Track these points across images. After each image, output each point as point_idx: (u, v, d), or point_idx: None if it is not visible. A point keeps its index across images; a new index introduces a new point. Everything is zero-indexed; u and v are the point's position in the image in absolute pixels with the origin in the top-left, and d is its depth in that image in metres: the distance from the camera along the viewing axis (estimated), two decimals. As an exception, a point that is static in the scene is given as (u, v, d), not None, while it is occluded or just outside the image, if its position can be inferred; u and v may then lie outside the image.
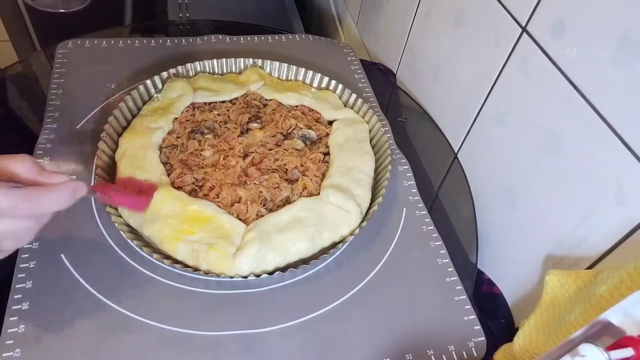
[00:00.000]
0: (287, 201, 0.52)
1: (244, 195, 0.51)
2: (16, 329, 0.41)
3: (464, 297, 0.49)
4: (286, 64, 0.67)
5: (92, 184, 0.52)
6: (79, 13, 1.08)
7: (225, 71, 0.67)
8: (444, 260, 0.52)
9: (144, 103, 0.60)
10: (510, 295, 0.55)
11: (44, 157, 0.55)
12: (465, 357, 0.45)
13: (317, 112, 0.63)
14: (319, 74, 0.66)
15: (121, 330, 0.43)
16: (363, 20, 0.95)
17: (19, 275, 0.45)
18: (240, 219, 0.49)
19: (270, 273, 0.46)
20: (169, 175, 0.52)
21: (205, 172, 0.52)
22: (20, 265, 0.45)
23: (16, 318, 0.42)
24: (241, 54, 0.69)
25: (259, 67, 0.67)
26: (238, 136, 0.57)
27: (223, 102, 0.62)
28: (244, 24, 0.86)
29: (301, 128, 0.59)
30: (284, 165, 0.55)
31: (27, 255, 0.46)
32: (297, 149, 0.57)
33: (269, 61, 0.67)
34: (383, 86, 0.77)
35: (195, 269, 0.46)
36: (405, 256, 0.52)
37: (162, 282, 0.46)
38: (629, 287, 0.35)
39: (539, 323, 0.43)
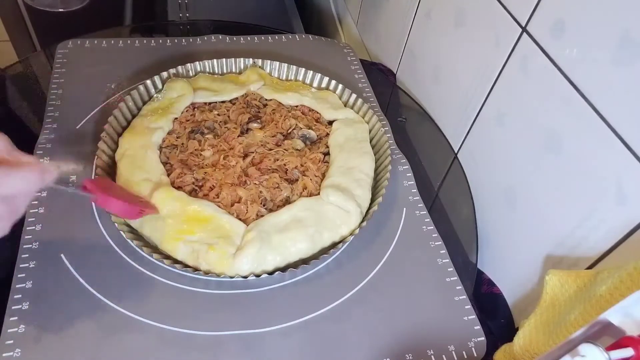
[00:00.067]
0: (287, 201, 0.52)
1: (244, 195, 0.51)
2: (16, 329, 0.41)
3: (464, 297, 0.49)
4: (286, 64, 0.67)
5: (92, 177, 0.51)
6: (79, 13, 1.08)
7: (225, 71, 0.67)
8: (444, 260, 0.52)
9: (144, 103, 0.60)
10: (510, 295, 0.55)
11: (44, 157, 0.55)
12: (465, 357, 0.45)
13: (317, 112, 0.63)
14: (319, 74, 0.66)
15: (121, 330, 0.43)
16: (363, 20, 0.95)
17: (19, 275, 0.45)
18: (240, 219, 0.49)
19: (270, 273, 0.46)
20: (169, 175, 0.52)
21: (205, 172, 0.52)
22: (20, 265, 0.45)
23: (16, 318, 0.42)
24: (241, 54, 0.69)
25: (259, 67, 0.67)
26: (238, 136, 0.57)
27: (223, 102, 0.62)
28: (244, 24, 0.86)
29: (301, 128, 0.59)
30: (284, 165, 0.55)
31: (27, 255, 0.46)
32: (297, 149, 0.57)
33: (269, 61, 0.67)
34: (383, 86, 0.77)
35: (195, 269, 0.46)
36: (405, 256, 0.52)
37: (162, 282, 0.46)
38: (629, 287, 0.35)
39: (539, 323, 0.43)
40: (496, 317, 0.54)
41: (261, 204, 0.51)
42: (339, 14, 1.11)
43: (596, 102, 0.42)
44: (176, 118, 0.58)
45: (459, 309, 0.48)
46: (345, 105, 0.65)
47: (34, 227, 0.48)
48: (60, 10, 1.07)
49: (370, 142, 0.60)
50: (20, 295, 0.43)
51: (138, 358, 0.41)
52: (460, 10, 0.62)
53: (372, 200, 0.54)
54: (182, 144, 0.56)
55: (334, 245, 0.50)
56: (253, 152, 0.55)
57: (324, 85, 0.66)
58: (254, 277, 0.46)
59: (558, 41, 0.46)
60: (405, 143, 0.67)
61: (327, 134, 0.60)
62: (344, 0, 1.06)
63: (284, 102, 0.63)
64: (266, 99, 0.63)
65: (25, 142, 0.47)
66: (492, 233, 0.58)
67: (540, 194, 0.50)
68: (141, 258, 0.48)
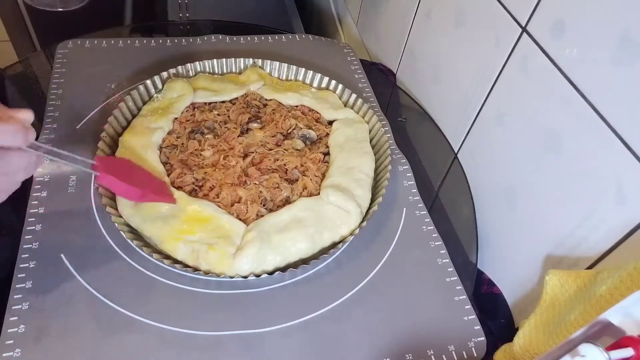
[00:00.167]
0: (287, 201, 0.52)
1: (244, 195, 0.51)
2: (16, 329, 0.41)
3: (464, 297, 0.49)
4: (286, 64, 0.67)
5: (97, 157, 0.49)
6: (79, 12, 1.08)
7: (225, 71, 0.67)
8: (444, 260, 0.52)
9: (144, 103, 0.60)
10: (510, 295, 0.55)
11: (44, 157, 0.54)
12: (465, 357, 0.45)
13: (317, 112, 0.63)
14: (319, 74, 0.66)
15: (121, 330, 0.43)
16: (363, 20, 0.95)
17: (19, 275, 0.45)
18: (240, 219, 0.49)
19: (270, 273, 0.46)
20: (169, 175, 0.52)
21: (205, 172, 0.52)
22: (20, 265, 0.45)
23: (16, 318, 0.42)
24: (241, 54, 0.69)
25: (259, 67, 0.67)
26: (238, 136, 0.57)
27: (223, 102, 0.62)
28: (244, 24, 0.86)
29: (301, 128, 0.59)
30: (284, 165, 0.55)
31: (27, 255, 0.46)
32: (297, 149, 0.57)
33: (269, 61, 0.67)
34: (383, 86, 0.77)
35: (195, 269, 0.46)
36: (405, 256, 0.52)
37: (162, 282, 0.46)
38: (629, 287, 0.35)
39: (539, 323, 0.43)
40: (496, 317, 0.54)
41: (261, 204, 0.51)
42: (339, 14, 1.11)
43: (596, 102, 0.42)
44: (176, 118, 0.58)
45: (459, 309, 0.48)
46: (345, 105, 0.65)
47: (34, 227, 0.48)
48: (59, 9, 1.07)
49: (370, 142, 0.60)
50: (20, 295, 0.43)
51: (138, 358, 0.41)
52: (460, 10, 0.62)
53: (372, 200, 0.54)
54: (182, 144, 0.56)
55: (334, 245, 0.50)
56: (253, 152, 0.55)
57: (324, 85, 0.66)
58: (254, 277, 0.46)
59: (558, 41, 0.46)
60: (405, 143, 0.67)
61: (327, 134, 0.60)
62: (344, 0, 1.06)
63: (284, 102, 0.63)
64: (266, 99, 0.63)
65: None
66: (492, 233, 0.58)
67: (540, 194, 0.50)
68: (141, 258, 0.48)
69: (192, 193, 0.51)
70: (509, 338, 0.45)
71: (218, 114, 0.59)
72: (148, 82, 0.61)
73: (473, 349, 0.46)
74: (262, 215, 0.50)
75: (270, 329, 0.45)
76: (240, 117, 0.59)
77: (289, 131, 0.59)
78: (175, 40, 0.75)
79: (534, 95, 0.50)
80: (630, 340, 0.31)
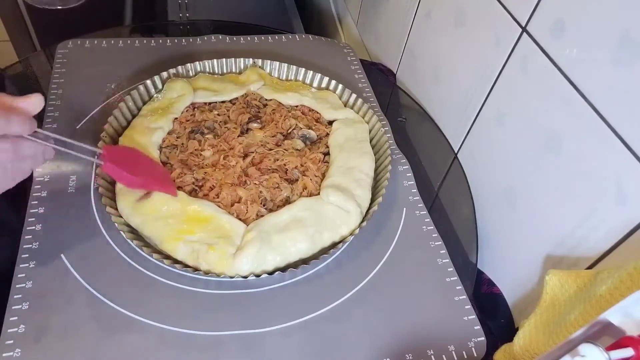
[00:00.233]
0: (287, 201, 0.52)
1: (244, 195, 0.51)
2: (16, 329, 0.41)
3: (464, 297, 0.49)
4: (286, 64, 0.67)
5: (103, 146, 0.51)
6: (79, 11, 1.08)
7: (225, 71, 0.67)
8: (444, 260, 0.52)
9: (144, 103, 0.60)
10: (510, 295, 0.55)
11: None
12: (465, 357, 0.45)
13: (317, 112, 0.63)
14: (319, 74, 0.66)
15: (121, 330, 0.43)
16: (363, 20, 0.95)
17: (19, 275, 0.45)
18: (240, 219, 0.49)
19: (270, 273, 0.46)
20: (169, 175, 0.52)
21: (205, 172, 0.52)
22: (20, 265, 0.45)
23: (16, 318, 0.42)
24: (241, 54, 0.69)
25: (259, 67, 0.67)
26: (238, 136, 0.57)
27: (223, 102, 0.62)
28: (244, 24, 0.86)
29: (301, 128, 0.59)
30: (284, 165, 0.55)
31: (27, 255, 0.46)
32: (297, 149, 0.57)
33: (269, 61, 0.67)
34: (383, 86, 0.77)
35: (195, 269, 0.46)
36: (405, 256, 0.52)
37: (162, 282, 0.46)
38: (629, 287, 0.35)
39: (539, 323, 0.43)
40: (496, 317, 0.54)
41: (261, 204, 0.51)
42: (339, 14, 1.11)
43: (596, 102, 0.42)
44: (176, 118, 0.58)
45: (459, 309, 0.48)
46: (345, 105, 0.65)
47: (34, 227, 0.48)
48: (58, 7, 1.07)
49: (370, 142, 0.60)
50: (20, 295, 0.43)
51: (138, 358, 0.41)
52: (460, 10, 0.62)
53: (372, 200, 0.54)
54: (182, 144, 0.56)
55: (334, 245, 0.50)
56: (253, 152, 0.55)
57: (324, 85, 0.66)
58: (254, 277, 0.46)
59: (558, 41, 0.46)
60: (405, 143, 0.67)
61: (327, 134, 0.60)
62: (344, 0, 1.06)
63: (284, 102, 0.63)
64: (266, 99, 0.63)
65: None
66: (492, 233, 0.58)
67: (540, 194, 0.50)
68: (141, 258, 0.48)
69: (192, 193, 0.51)
70: (509, 338, 0.45)
71: (218, 114, 0.59)
72: (148, 82, 0.61)
73: (473, 349, 0.46)
74: (262, 215, 0.50)
75: (270, 329, 0.45)
76: (240, 117, 0.59)
77: (289, 131, 0.59)
78: (175, 40, 0.75)
79: (534, 95, 0.50)
80: (630, 340, 0.31)
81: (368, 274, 0.50)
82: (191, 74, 0.65)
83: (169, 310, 0.45)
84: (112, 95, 0.64)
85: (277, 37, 0.79)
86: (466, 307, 0.49)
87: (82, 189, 0.53)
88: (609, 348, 0.30)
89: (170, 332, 0.43)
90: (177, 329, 0.43)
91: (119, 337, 0.42)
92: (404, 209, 0.57)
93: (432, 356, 0.45)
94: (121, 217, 0.49)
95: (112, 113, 0.56)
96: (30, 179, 0.52)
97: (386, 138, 0.59)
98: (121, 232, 0.47)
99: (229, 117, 0.60)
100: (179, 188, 0.51)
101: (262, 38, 0.79)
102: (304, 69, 0.67)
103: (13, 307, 0.43)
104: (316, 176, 0.54)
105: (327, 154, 0.58)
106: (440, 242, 0.54)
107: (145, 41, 0.74)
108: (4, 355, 0.40)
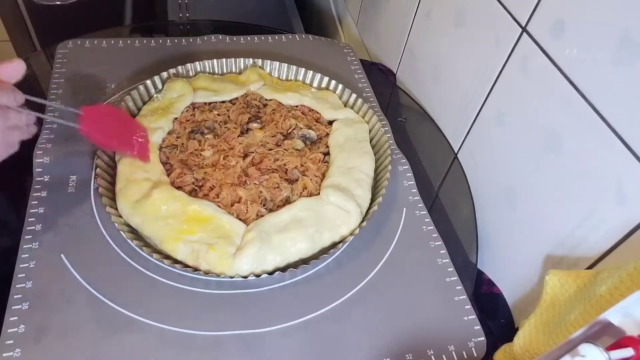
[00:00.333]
0: (287, 201, 0.52)
1: (244, 195, 0.51)
2: (16, 329, 0.41)
3: (464, 297, 0.49)
4: (286, 64, 0.67)
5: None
6: (79, 10, 1.08)
7: (225, 71, 0.67)
8: (444, 260, 0.52)
9: (144, 103, 0.60)
10: (510, 295, 0.55)
11: (44, 157, 0.54)
12: (465, 357, 0.45)
13: (317, 112, 0.63)
14: (319, 74, 0.66)
15: (121, 330, 0.43)
16: (363, 20, 0.95)
17: (19, 275, 0.45)
18: (240, 219, 0.49)
19: (270, 273, 0.46)
20: (169, 175, 0.52)
21: (205, 172, 0.52)
22: (20, 265, 0.45)
23: (16, 318, 0.42)
24: (241, 54, 0.69)
25: (259, 67, 0.67)
26: (238, 136, 0.57)
27: (223, 102, 0.62)
28: (244, 24, 0.86)
29: (301, 128, 0.59)
30: (284, 165, 0.55)
31: (27, 255, 0.46)
32: (297, 149, 0.57)
33: (269, 61, 0.67)
34: (383, 86, 0.77)
35: (195, 269, 0.46)
36: (405, 256, 0.52)
37: (162, 282, 0.46)
38: (629, 287, 0.35)
39: (539, 323, 0.43)
40: (496, 317, 0.54)
41: (261, 204, 0.51)
42: (339, 14, 1.11)
43: (596, 102, 0.42)
44: (176, 118, 0.58)
45: (459, 309, 0.48)
46: (345, 105, 0.65)
47: (34, 227, 0.48)
48: (57, 3, 1.06)
49: (370, 142, 0.60)
50: (20, 295, 0.43)
51: (138, 358, 0.41)
52: (460, 10, 0.62)
53: (372, 200, 0.54)
54: (182, 144, 0.56)
55: (334, 245, 0.50)
56: (253, 152, 0.55)
57: (324, 85, 0.66)
58: (254, 277, 0.46)
59: (558, 41, 0.46)
60: (405, 143, 0.67)
61: (327, 134, 0.60)
62: (344, 0, 1.06)
63: (284, 102, 0.63)
64: (266, 99, 0.63)
65: (26, 142, 0.47)
66: (492, 233, 0.58)
67: (540, 194, 0.50)
68: (141, 258, 0.47)
69: (192, 193, 0.51)
70: (509, 338, 0.45)
71: (218, 114, 0.59)
72: (148, 82, 0.61)
73: (473, 349, 0.46)
74: (262, 215, 0.50)
75: (270, 329, 0.45)
76: (240, 117, 0.59)
77: (289, 131, 0.59)
78: (175, 40, 0.74)
79: (534, 95, 0.50)
80: (630, 340, 0.31)
81: (368, 274, 0.50)
82: (191, 74, 0.65)
83: (169, 310, 0.45)
84: (112, 95, 0.64)
85: (277, 37, 0.79)
86: (466, 307, 0.49)
87: (82, 189, 0.53)
88: (609, 348, 0.30)
89: (170, 332, 0.43)
90: (177, 329, 0.43)
91: (119, 337, 0.42)
92: (404, 209, 0.57)
93: (432, 356, 0.45)
94: (121, 217, 0.49)
95: (112, 113, 0.56)
96: (30, 179, 0.52)
97: (386, 138, 0.59)
98: (121, 232, 0.47)
99: (229, 117, 0.60)
100: (179, 188, 0.51)
101: (262, 38, 0.79)
102: (304, 69, 0.67)
103: (13, 307, 0.43)
104: (316, 176, 0.54)
105: (327, 154, 0.58)
106: (440, 242, 0.54)
107: (145, 41, 0.74)
108: (4, 355, 0.40)
